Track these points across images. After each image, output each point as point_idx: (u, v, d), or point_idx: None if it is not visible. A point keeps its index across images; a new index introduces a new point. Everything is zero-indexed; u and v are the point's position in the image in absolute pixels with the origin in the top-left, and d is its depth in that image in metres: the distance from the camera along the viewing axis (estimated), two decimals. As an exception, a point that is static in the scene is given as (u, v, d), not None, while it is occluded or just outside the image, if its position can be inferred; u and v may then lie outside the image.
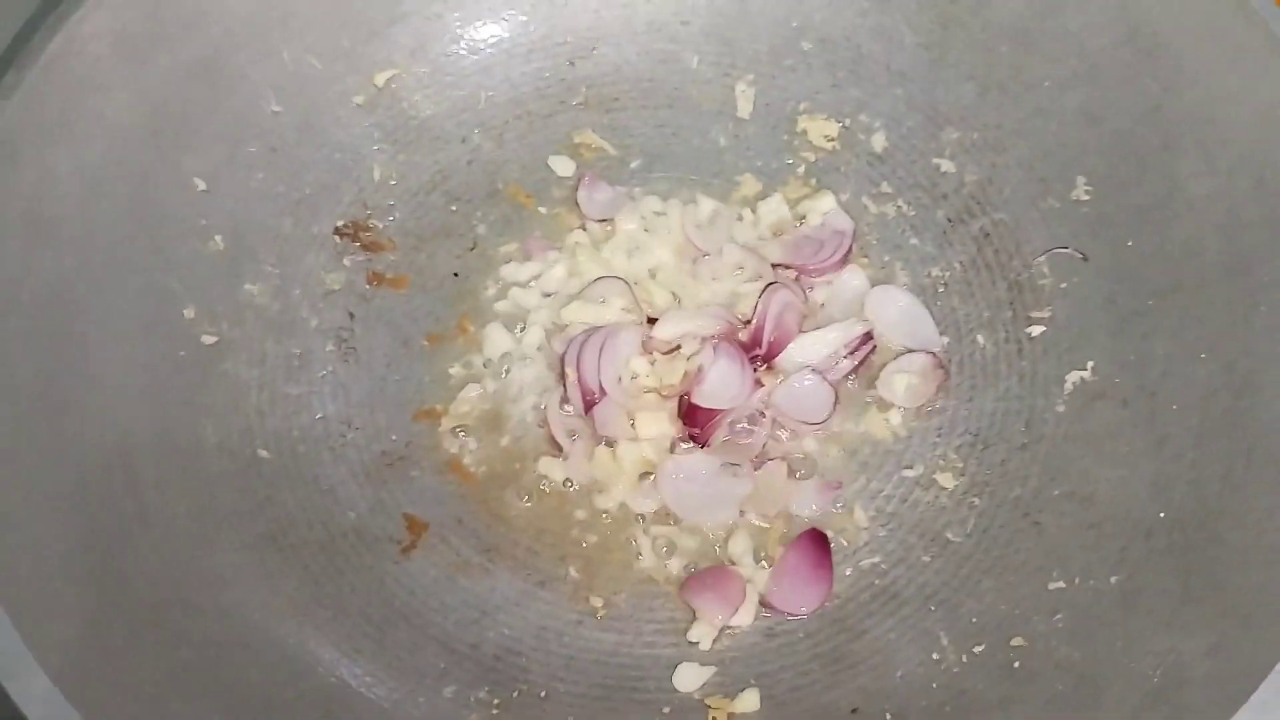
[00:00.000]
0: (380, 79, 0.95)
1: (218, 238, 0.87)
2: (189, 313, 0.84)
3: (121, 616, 0.67)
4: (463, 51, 0.98)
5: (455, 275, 0.92)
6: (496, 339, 0.89)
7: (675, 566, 0.81)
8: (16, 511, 0.66)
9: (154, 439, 0.77)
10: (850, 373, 0.86)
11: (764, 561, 0.80)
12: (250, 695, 0.68)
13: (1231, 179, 0.78)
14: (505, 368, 0.88)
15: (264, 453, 0.83)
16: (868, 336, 0.86)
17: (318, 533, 0.81)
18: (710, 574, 0.80)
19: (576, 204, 0.94)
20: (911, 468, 0.84)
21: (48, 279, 0.75)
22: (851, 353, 0.86)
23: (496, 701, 0.75)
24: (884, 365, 0.87)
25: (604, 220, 0.94)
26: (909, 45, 0.94)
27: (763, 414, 0.84)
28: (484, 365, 0.89)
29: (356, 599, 0.78)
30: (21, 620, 0.60)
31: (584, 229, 0.93)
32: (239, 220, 0.88)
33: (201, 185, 0.86)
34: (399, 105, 0.96)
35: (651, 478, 0.83)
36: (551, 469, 0.84)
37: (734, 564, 0.80)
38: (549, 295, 0.91)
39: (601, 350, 0.85)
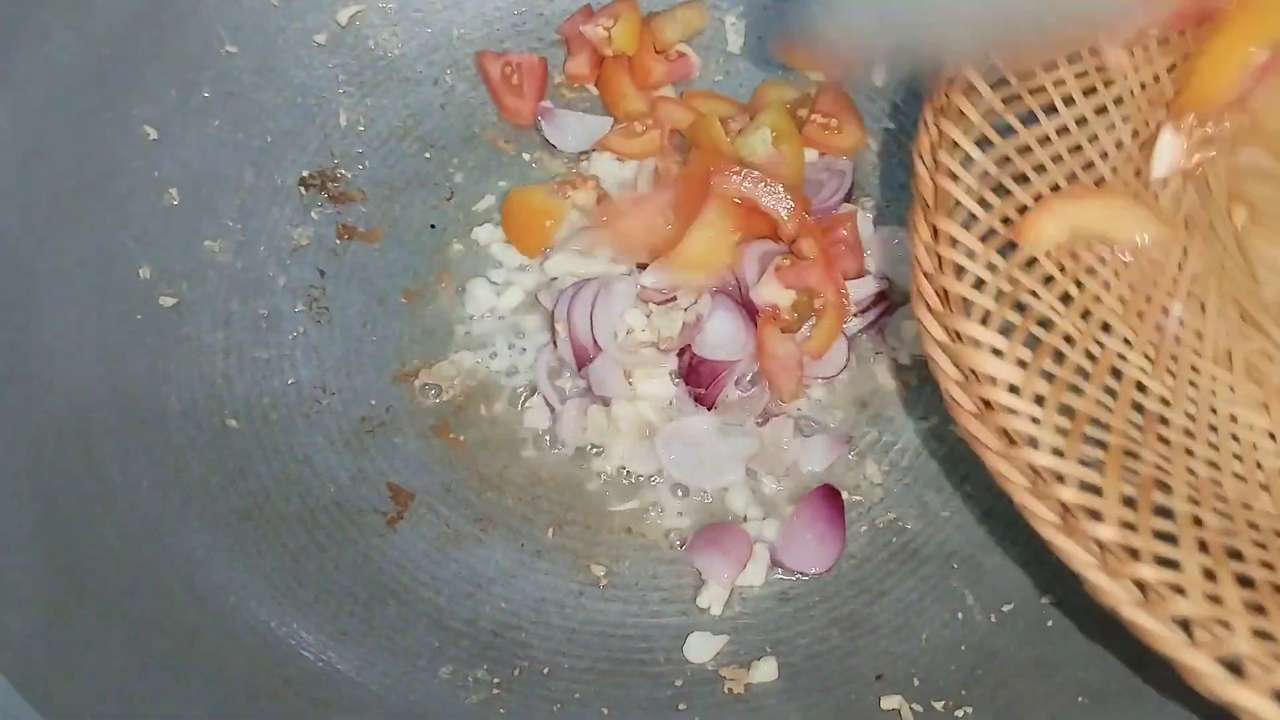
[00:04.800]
0: (343, 15, 0.89)
1: (173, 190, 0.80)
2: (144, 272, 0.78)
3: (85, 606, 0.61)
4: (430, -15, 0.91)
5: (432, 227, 0.87)
6: (479, 296, 0.83)
7: (680, 529, 0.76)
8: (-39, 495, 0.60)
9: (113, 410, 0.71)
10: (864, 329, 0.81)
11: (772, 517, 0.76)
12: (231, 685, 0.63)
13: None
14: (490, 326, 0.83)
15: (233, 422, 0.77)
16: (882, 295, 0.81)
17: (295, 506, 0.75)
18: (713, 530, 0.76)
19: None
20: (926, 419, 0.80)
21: (-14, 238, 0.68)
22: (863, 311, 0.81)
23: (496, 680, 0.71)
24: (894, 311, 0.82)
25: (584, 154, 0.88)
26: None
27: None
28: (469, 322, 0.83)
29: (341, 576, 0.73)
30: (-28, 615, 0.54)
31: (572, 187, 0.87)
32: (195, 171, 0.82)
33: (153, 134, 0.80)
34: (364, 44, 0.90)
35: (651, 438, 0.78)
36: (542, 431, 0.79)
37: (738, 519, 0.76)
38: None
39: (594, 304, 0.80)
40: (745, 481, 0.78)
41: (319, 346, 0.82)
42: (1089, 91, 0.66)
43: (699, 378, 0.78)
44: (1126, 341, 0.60)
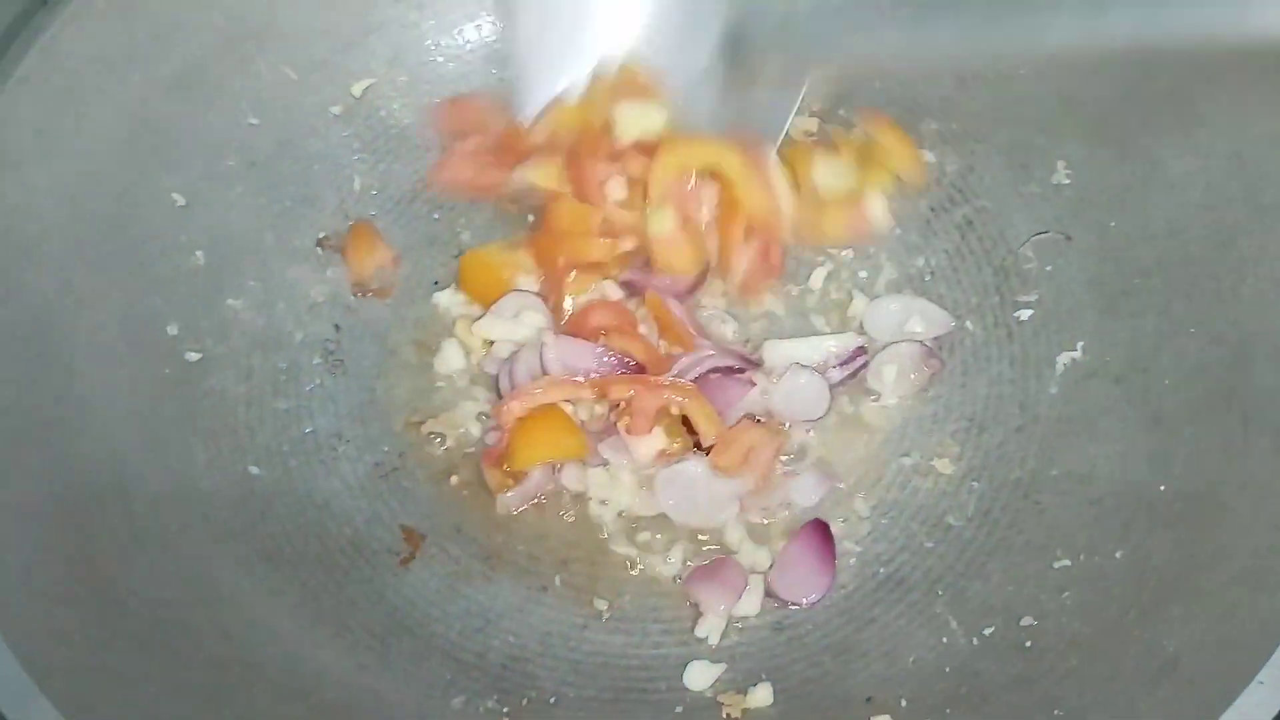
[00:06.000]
0: (358, 89, 0.94)
1: (198, 253, 0.86)
2: (172, 329, 0.82)
3: (123, 640, 0.65)
4: (439, 59, 0.97)
5: (436, 284, 0.91)
6: (450, 356, 0.88)
7: (676, 565, 0.80)
8: (9, 533, 0.64)
9: (144, 458, 0.76)
10: (840, 382, 0.86)
11: (765, 550, 0.80)
12: (259, 714, 0.67)
13: (1209, 157, 0.79)
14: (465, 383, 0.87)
15: (255, 469, 0.81)
16: (860, 350, 0.86)
17: (314, 547, 0.79)
18: (710, 565, 0.80)
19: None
20: (909, 455, 0.84)
21: (30, 298, 0.73)
22: (843, 364, 0.86)
23: (506, 710, 0.74)
24: (873, 358, 0.87)
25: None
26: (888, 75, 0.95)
27: (756, 419, 0.84)
28: (472, 373, 0.87)
29: (358, 613, 0.77)
30: (21, 645, 0.58)
31: None
32: (219, 235, 0.87)
33: (180, 200, 0.85)
34: (377, 114, 0.95)
35: (650, 484, 0.82)
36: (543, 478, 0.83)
37: (733, 553, 0.80)
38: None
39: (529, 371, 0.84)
40: (739, 517, 0.82)
41: (335, 397, 0.86)
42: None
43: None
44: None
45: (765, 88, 0.85)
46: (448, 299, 0.90)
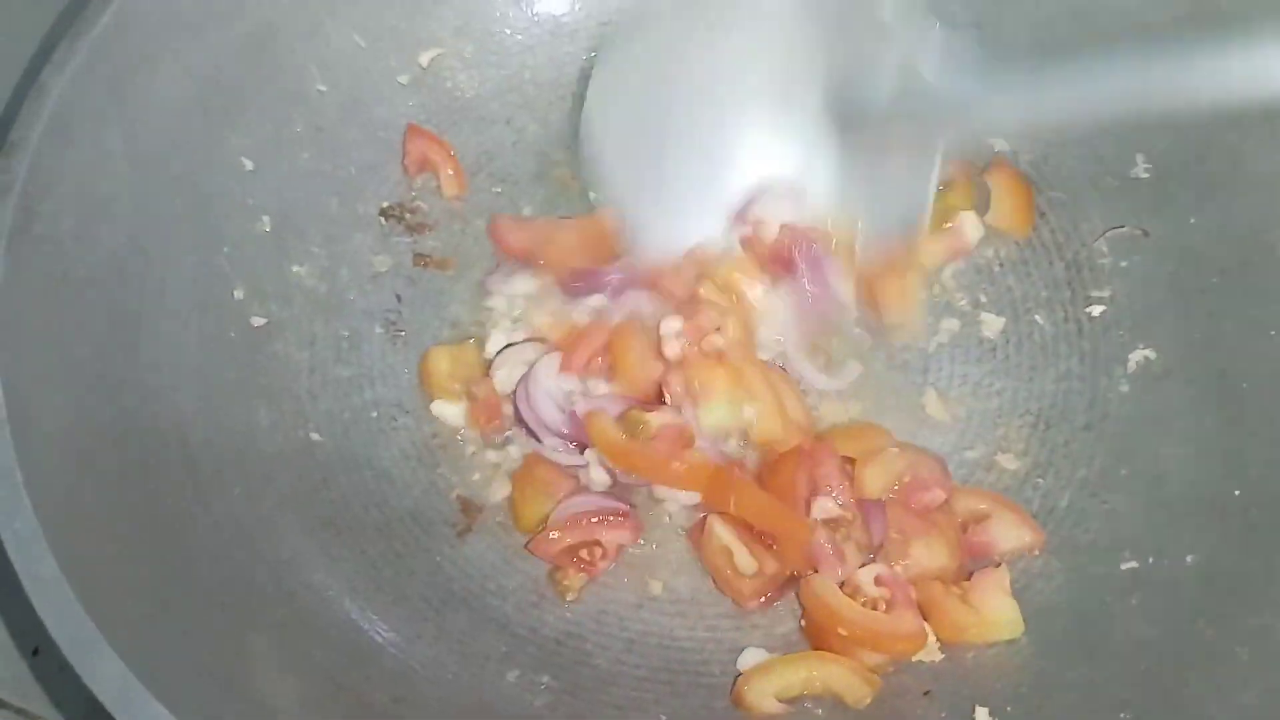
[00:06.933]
0: (425, 58, 0.94)
1: (265, 218, 0.85)
2: (239, 293, 0.83)
3: (188, 598, 0.65)
4: (507, 31, 0.96)
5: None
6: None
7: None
8: (80, 490, 0.64)
9: (209, 420, 0.76)
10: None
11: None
12: (320, 678, 0.67)
13: (1298, 154, 0.77)
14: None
15: (316, 435, 0.82)
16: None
17: (374, 516, 0.79)
18: None
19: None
20: (972, 449, 0.83)
21: (102, 256, 0.73)
22: None
23: (561, 686, 0.74)
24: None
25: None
26: (961, 21, 0.93)
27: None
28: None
29: (415, 583, 0.77)
30: (90, 599, 0.59)
31: None
32: (286, 200, 0.87)
33: (249, 164, 0.85)
34: (443, 85, 0.95)
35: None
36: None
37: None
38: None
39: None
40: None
41: (395, 367, 0.86)
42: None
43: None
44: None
45: (895, 157, 0.80)
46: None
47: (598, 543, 0.78)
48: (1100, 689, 0.67)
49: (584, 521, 0.78)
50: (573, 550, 0.78)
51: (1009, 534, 0.77)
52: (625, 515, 0.79)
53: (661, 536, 0.80)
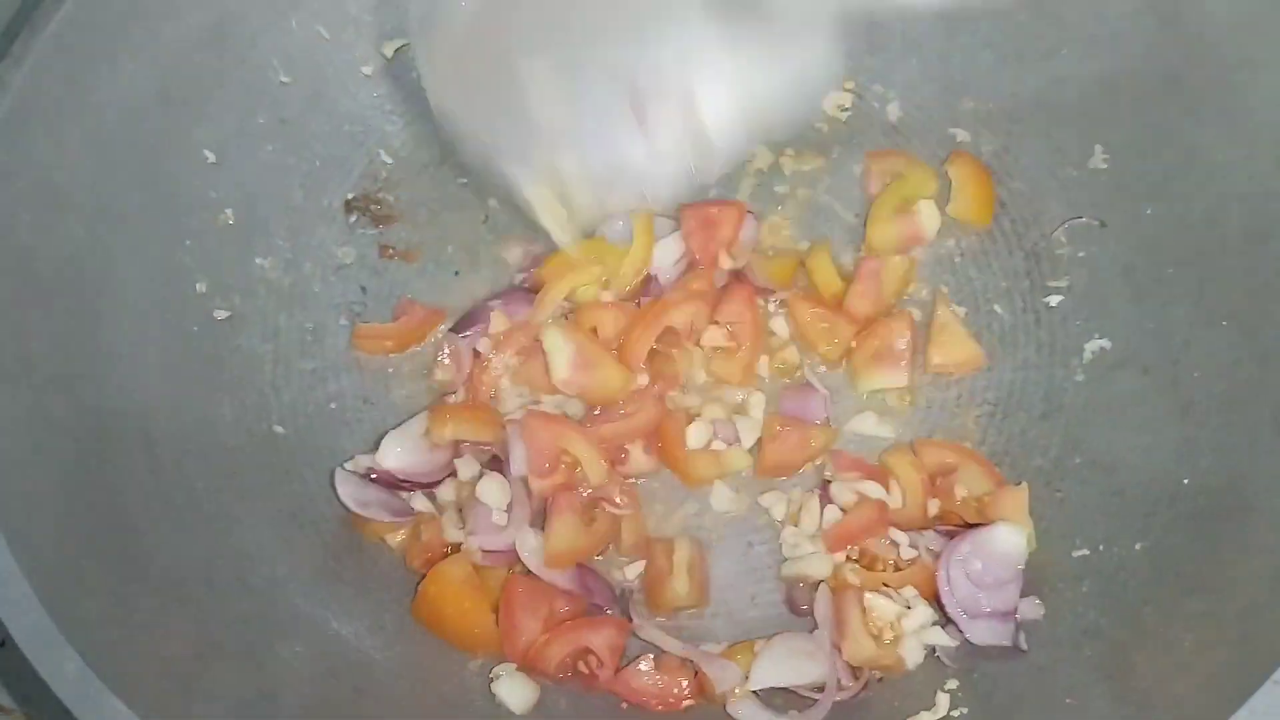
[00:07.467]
0: (389, 49, 0.94)
1: (228, 211, 0.86)
2: (201, 286, 0.83)
3: (148, 594, 0.66)
4: (471, 21, 0.96)
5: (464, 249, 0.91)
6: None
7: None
8: (38, 483, 0.65)
9: (171, 413, 0.76)
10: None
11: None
12: (281, 670, 0.68)
13: (1254, 147, 0.78)
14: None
15: (279, 428, 0.82)
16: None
17: (337, 508, 0.80)
18: None
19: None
20: (931, 438, 0.84)
21: (61, 250, 0.73)
22: None
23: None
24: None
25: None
26: (924, 14, 0.93)
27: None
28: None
29: (377, 574, 0.78)
30: (48, 596, 0.59)
31: None
32: (249, 193, 0.87)
33: (211, 157, 0.85)
34: (408, 76, 0.94)
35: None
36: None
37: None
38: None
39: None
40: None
41: (360, 359, 0.87)
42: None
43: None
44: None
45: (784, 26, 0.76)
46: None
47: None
48: (1048, 674, 0.68)
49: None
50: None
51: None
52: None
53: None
